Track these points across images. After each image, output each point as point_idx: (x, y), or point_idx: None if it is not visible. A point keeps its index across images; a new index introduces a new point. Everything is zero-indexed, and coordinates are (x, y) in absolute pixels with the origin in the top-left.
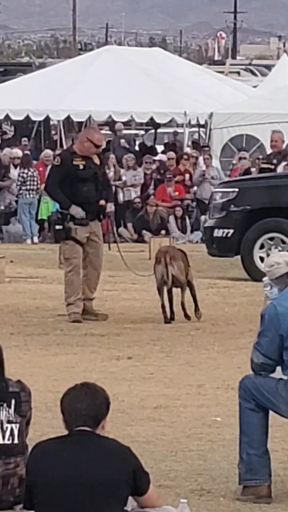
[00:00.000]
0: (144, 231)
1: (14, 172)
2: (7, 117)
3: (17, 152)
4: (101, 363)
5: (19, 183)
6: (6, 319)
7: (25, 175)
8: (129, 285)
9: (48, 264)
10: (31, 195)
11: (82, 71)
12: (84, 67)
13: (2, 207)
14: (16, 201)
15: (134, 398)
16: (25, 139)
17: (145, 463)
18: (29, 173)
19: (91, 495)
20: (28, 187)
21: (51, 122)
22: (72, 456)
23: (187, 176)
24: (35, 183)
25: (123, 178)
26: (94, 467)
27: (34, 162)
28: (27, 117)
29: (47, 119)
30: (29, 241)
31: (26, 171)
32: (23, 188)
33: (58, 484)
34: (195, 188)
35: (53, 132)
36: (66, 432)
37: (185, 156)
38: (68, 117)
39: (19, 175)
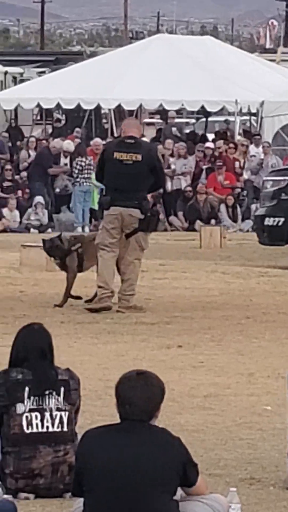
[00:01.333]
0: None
1: (64, 162)
2: (58, 105)
3: (69, 145)
4: (151, 352)
5: (76, 171)
6: (57, 307)
7: (82, 164)
8: (179, 274)
9: None
10: (87, 183)
11: (133, 60)
12: (135, 55)
13: (58, 190)
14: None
15: (184, 387)
16: (78, 129)
17: (194, 451)
18: (86, 162)
19: (140, 484)
20: (85, 176)
21: (102, 111)
22: (122, 444)
23: (237, 164)
24: (91, 171)
25: (172, 166)
26: (144, 456)
27: None
28: (78, 106)
29: (98, 107)
30: (80, 229)
31: (83, 159)
32: (80, 176)
33: (107, 472)
34: (245, 176)
35: (104, 120)
36: (115, 421)
37: (235, 145)
38: (119, 106)
39: (76, 163)
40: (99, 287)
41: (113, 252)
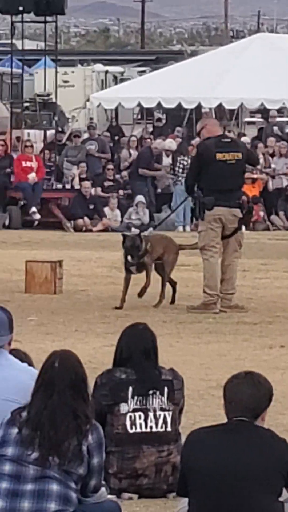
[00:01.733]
0: None
1: (166, 161)
2: (159, 105)
3: (171, 144)
4: (253, 352)
5: (180, 170)
6: (159, 306)
7: (184, 162)
8: (281, 273)
9: (200, 252)
10: None
11: (234, 59)
12: (236, 54)
13: (159, 190)
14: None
15: (287, 387)
16: (179, 128)
17: None
18: (189, 161)
19: (245, 485)
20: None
21: (203, 110)
22: (228, 445)
23: None
24: None
25: (273, 165)
26: (249, 457)
27: None
28: (179, 105)
29: (199, 106)
30: (181, 228)
31: (186, 158)
32: (182, 175)
33: (213, 472)
34: None
35: None
36: (218, 421)
37: None
38: (220, 105)
39: (179, 162)
40: (207, 293)
41: (217, 254)
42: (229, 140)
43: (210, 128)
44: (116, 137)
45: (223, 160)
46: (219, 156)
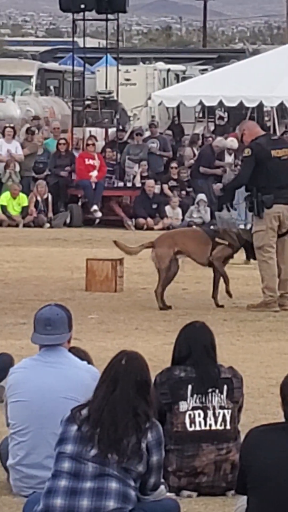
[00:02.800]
0: None
1: (228, 159)
2: (220, 103)
3: (232, 142)
4: None
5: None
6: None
7: None
8: None
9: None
10: None
11: None
12: None
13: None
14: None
15: None
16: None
17: None
18: None
19: None
20: None
21: (265, 109)
22: (287, 443)
23: None
24: None
25: None
26: None
27: None
28: (241, 104)
29: (260, 105)
30: (242, 227)
31: None
32: None
33: (272, 470)
34: None
35: (266, 118)
36: (278, 419)
37: None
38: (282, 104)
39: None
40: (266, 293)
41: (275, 254)
42: (276, 137)
43: (250, 131)
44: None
45: (278, 157)
46: (273, 153)
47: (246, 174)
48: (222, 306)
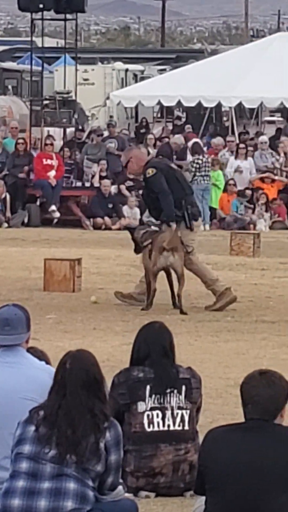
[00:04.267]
0: None
1: (190, 158)
2: (179, 103)
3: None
4: (271, 350)
5: (193, 169)
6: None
7: (200, 162)
8: None
9: (219, 251)
10: (206, 181)
11: (254, 58)
12: (256, 53)
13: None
14: None
15: None
16: (189, 126)
17: None
18: (204, 160)
19: (264, 483)
20: (202, 174)
21: (223, 109)
22: (246, 443)
23: None
24: (209, 169)
25: None
26: (267, 455)
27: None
28: (199, 104)
29: (219, 105)
30: (201, 227)
31: (200, 157)
32: (198, 174)
33: (231, 471)
34: None
35: (224, 118)
36: (236, 420)
37: None
38: (240, 104)
39: (193, 161)
40: (218, 284)
41: None
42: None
43: (137, 160)
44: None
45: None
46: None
47: (164, 187)
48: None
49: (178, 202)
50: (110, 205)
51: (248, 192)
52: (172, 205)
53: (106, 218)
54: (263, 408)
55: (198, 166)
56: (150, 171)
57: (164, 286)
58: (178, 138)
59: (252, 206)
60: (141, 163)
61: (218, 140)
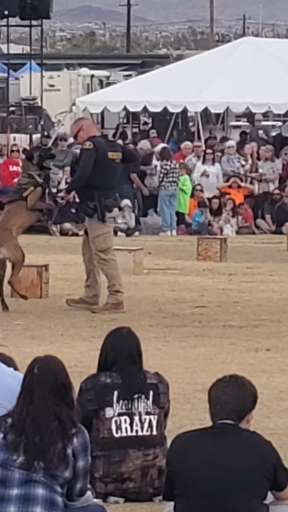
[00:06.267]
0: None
1: (155, 163)
2: (145, 109)
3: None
4: (239, 355)
5: (161, 175)
6: (145, 310)
7: (167, 167)
8: (267, 277)
9: (186, 256)
10: (173, 187)
11: (220, 63)
12: (222, 58)
13: (147, 192)
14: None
15: (273, 390)
16: (153, 131)
17: (283, 455)
18: (171, 165)
19: (232, 488)
20: (170, 179)
21: (189, 114)
22: (213, 448)
23: None
24: (176, 175)
25: (260, 170)
26: (235, 459)
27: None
28: (165, 109)
29: (185, 111)
30: (168, 233)
31: (168, 163)
32: (165, 180)
33: (199, 476)
34: None
35: (190, 124)
36: (204, 425)
37: None
38: (206, 109)
39: (161, 167)
40: (119, 290)
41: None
42: (112, 140)
43: (88, 129)
44: None
45: (113, 159)
46: (109, 154)
47: (87, 166)
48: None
49: (91, 192)
50: (73, 210)
51: (215, 201)
52: (79, 184)
53: (72, 225)
54: (230, 408)
55: (165, 171)
56: (88, 144)
57: (128, 292)
58: (144, 144)
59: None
60: (89, 134)
61: (187, 145)
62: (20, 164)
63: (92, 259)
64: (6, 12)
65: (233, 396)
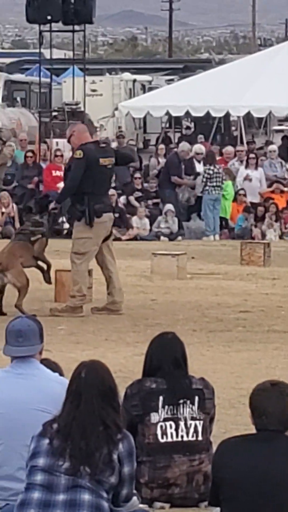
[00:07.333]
0: None
1: (198, 166)
2: (187, 113)
3: (200, 147)
4: (284, 360)
5: (204, 179)
6: (189, 315)
7: (211, 172)
8: None
9: (229, 261)
10: (216, 191)
11: (262, 67)
12: (264, 63)
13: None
14: (200, 197)
15: None
16: (201, 136)
17: None
18: (215, 170)
19: (277, 494)
20: (214, 184)
21: (231, 118)
22: (260, 454)
23: None
24: (220, 179)
25: None
26: (281, 466)
27: None
28: (207, 113)
29: (227, 115)
30: (211, 237)
31: (212, 167)
32: (209, 184)
33: (245, 481)
34: None
35: (233, 128)
36: (249, 430)
37: None
38: (248, 113)
39: (204, 172)
40: (77, 297)
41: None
42: (104, 145)
43: (79, 134)
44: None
45: (105, 165)
46: (101, 161)
47: (77, 176)
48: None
49: (82, 197)
50: (116, 215)
51: (261, 208)
52: (68, 195)
53: (114, 229)
54: (278, 420)
55: (209, 176)
56: (78, 154)
57: (172, 297)
58: (184, 145)
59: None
60: (81, 139)
61: (229, 149)
62: (63, 169)
63: (107, 265)
64: (49, 18)
65: (279, 410)
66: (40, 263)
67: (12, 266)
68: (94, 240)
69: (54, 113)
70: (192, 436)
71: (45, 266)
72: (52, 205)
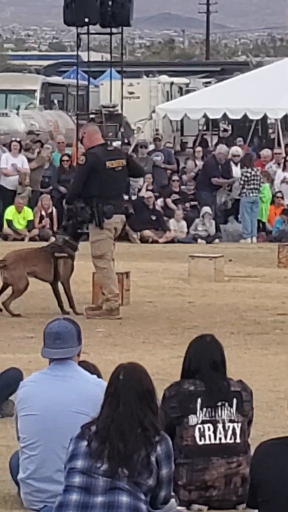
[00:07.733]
0: None
1: (235, 169)
2: (224, 116)
3: (238, 150)
4: None
5: (242, 182)
6: (226, 318)
7: (248, 174)
8: None
9: (267, 263)
10: (254, 194)
11: None
12: None
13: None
14: (237, 200)
15: None
16: (240, 138)
17: None
18: (253, 172)
19: None
20: (251, 186)
21: (269, 121)
22: None
23: None
24: (258, 182)
25: None
26: None
27: None
28: (245, 116)
29: (265, 117)
30: (248, 240)
31: (249, 170)
32: (246, 187)
33: (283, 484)
34: None
35: (270, 130)
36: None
37: None
38: (286, 116)
39: (242, 174)
40: (111, 299)
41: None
42: (112, 148)
43: (89, 136)
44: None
45: (113, 168)
46: (108, 164)
47: (79, 182)
48: (68, 313)
49: (90, 200)
50: (154, 217)
51: None
52: (72, 199)
53: (152, 231)
54: None
55: (246, 179)
56: (81, 159)
57: (209, 299)
58: (221, 148)
59: None
60: (91, 141)
61: (266, 152)
62: None
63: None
64: (86, 20)
65: None
66: (61, 288)
67: (15, 268)
68: (109, 240)
69: (92, 116)
70: (230, 439)
71: (65, 296)
72: (65, 206)
